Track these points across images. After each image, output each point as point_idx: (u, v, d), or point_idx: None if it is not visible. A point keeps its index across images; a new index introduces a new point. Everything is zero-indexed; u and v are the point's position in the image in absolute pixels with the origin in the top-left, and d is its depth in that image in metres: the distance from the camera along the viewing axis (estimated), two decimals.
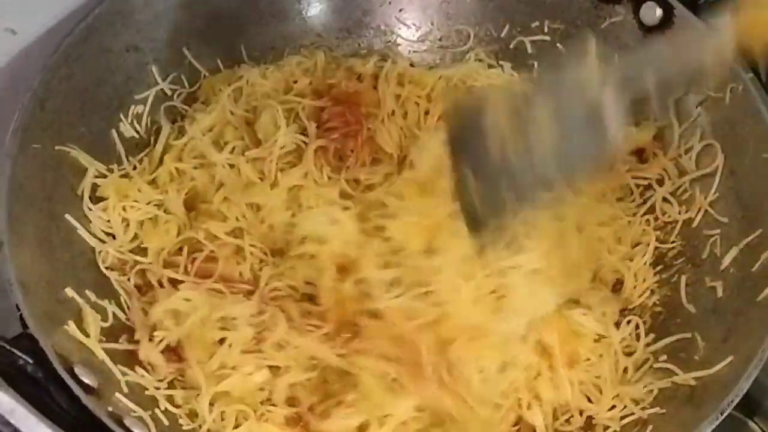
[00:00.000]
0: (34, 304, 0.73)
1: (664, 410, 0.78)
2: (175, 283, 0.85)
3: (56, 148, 0.85)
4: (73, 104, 0.88)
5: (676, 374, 0.80)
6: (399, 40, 1.07)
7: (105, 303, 0.83)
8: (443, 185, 0.82)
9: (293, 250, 0.87)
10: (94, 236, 0.86)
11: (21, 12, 0.89)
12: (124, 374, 0.77)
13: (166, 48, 0.97)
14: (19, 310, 0.72)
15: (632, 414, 0.81)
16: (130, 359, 0.80)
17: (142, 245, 0.88)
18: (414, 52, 1.07)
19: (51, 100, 0.85)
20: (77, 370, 0.71)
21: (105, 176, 0.89)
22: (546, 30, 1.03)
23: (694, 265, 0.88)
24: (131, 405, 0.74)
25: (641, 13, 0.96)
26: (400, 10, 1.07)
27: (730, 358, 0.76)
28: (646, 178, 0.95)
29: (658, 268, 0.90)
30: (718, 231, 0.87)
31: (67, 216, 0.84)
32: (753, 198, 0.86)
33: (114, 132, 0.92)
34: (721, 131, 0.90)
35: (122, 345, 0.81)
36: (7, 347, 0.68)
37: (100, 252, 0.85)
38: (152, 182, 0.91)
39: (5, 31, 0.88)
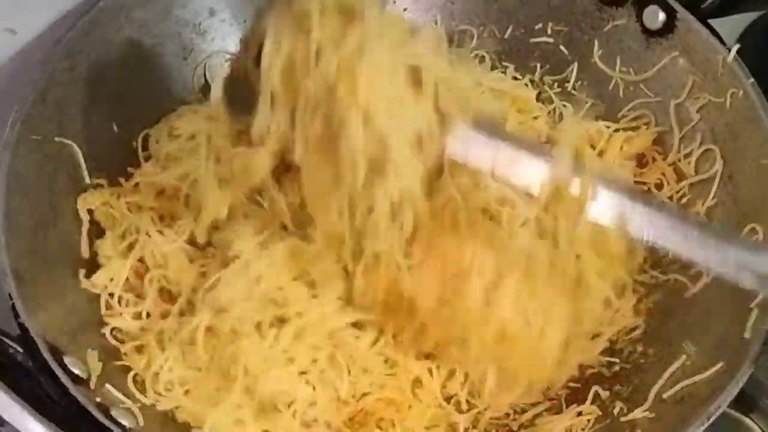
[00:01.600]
0: (27, 294, 0.74)
1: (652, 414, 0.78)
2: None
3: (56, 139, 0.85)
4: (75, 97, 0.88)
5: (667, 378, 0.80)
6: None
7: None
8: None
9: None
10: None
11: (21, 12, 0.89)
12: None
13: (168, 42, 0.97)
14: (11, 299, 0.73)
15: None
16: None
17: None
18: None
19: (52, 93, 0.85)
20: (67, 360, 0.72)
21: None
22: (549, 32, 1.02)
23: (690, 270, 0.87)
24: (120, 396, 0.75)
25: (644, 17, 0.95)
26: (404, 10, 1.06)
27: (720, 364, 0.76)
28: (645, 183, 0.95)
29: (655, 272, 0.90)
30: None
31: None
32: (751, 204, 0.85)
33: (114, 126, 0.93)
34: (721, 137, 0.89)
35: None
36: None
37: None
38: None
39: (5, 30, 0.89)
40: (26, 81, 0.83)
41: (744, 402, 0.87)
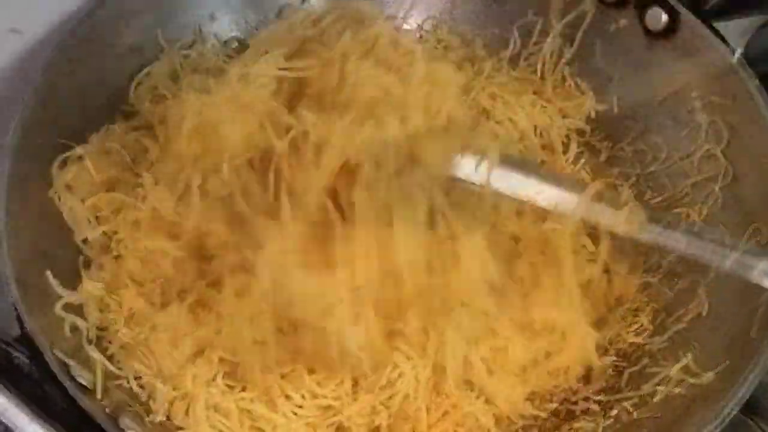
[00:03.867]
0: (32, 302, 0.74)
1: (658, 415, 0.78)
2: None
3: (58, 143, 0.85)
4: (75, 103, 0.87)
5: (668, 378, 0.81)
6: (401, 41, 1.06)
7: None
8: None
9: None
10: None
11: (25, 12, 0.89)
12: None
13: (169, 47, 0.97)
14: (15, 310, 0.72)
15: None
16: None
17: None
18: None
19: (53, 98, 0.84)
20: (72, 368, 0.71)
21: None
22: (551, 33, 1.02)
23: (693, 271, 0.87)
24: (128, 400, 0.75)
25: (646, 19, 0.95)
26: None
27: (725, 364, 0.76)
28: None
29: (658, 274, 0.90)
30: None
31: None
32: (754, 204, 0.86)
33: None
34: (724, 137, 0.89)
35: None
36: (3, 345, 0.68)
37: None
38: None
39: (10, 31, 0.89)
40: (31, 83, 0.83)
41: (746, 403, 0.86)
